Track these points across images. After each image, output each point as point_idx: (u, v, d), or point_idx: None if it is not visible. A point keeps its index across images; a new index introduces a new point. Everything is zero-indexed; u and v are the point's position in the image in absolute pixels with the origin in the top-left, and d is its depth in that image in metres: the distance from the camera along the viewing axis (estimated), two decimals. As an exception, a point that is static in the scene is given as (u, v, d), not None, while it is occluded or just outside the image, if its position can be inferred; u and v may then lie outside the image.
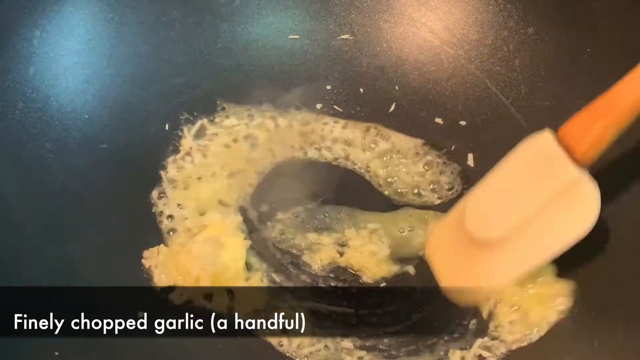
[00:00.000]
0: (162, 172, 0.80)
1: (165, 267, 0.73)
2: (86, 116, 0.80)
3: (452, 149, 0.82)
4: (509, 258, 0.65)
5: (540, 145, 0.65)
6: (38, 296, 0.67)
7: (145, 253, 0.74)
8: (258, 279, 0.73)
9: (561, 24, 0.81)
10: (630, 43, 0.75)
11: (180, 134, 0.82)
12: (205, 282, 0.71)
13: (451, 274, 0.69)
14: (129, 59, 0.84)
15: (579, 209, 0.63)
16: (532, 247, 0.65)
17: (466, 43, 0.86)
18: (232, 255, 0.72)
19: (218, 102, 0.85)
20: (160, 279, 0.73)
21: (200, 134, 0.83)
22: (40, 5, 0.79)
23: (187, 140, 0.82)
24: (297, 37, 0.89)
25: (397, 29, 0.89)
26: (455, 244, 0.69)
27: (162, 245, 0.75)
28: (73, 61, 0.81)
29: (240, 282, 0.72)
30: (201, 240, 0.72)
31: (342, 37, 0.89)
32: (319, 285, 0.74)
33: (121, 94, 0.82)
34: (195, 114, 0.84)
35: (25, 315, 0.65)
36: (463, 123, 0.84)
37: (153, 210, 0.77)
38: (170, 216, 0.77)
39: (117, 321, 0.67)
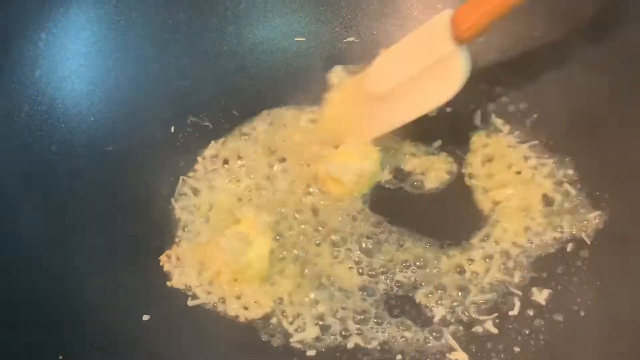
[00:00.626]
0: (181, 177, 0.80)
1: (185, 265, 0.73)
2: (92, 119, 0.80)
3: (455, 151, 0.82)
4: (392, 109, 0.78)
5: (435, 22, 0.76)
6: (41, 299, 0.68)
7: (167, 252, 0.74)
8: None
9: (568, 27, 0.81)
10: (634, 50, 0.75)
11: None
12: (225, 277, 0.71)
13: (348, 125, 0.82)
14: (134, 61, 0.84)
15: (448, 76, 0.75)
16: (408, 104, 0.77)
17: (472, 46, 0.85)
18: (258, 253, 0.72)
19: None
20: (179, 280, 0.73)
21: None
22: (46, 8, 0.79)
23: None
24: (303, 39, 0.89)
25: (403, 31, 0.88)
26: (353, 102, 0.82)
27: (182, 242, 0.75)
28: (79, 64, 0.81)
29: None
30: (230, 235, 0.72)
31: (348, 39, 0.89)
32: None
33: (127, 96, 0.83)
34: (202, 116, 0.84)
35: (27, 319, 0.66)
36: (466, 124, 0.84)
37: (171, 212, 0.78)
38: (186, 222, 0.77)
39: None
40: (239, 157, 0.82)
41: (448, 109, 0.83)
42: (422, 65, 0.76)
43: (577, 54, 0.80)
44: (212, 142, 0.83)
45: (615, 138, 0.76)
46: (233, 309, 0.71)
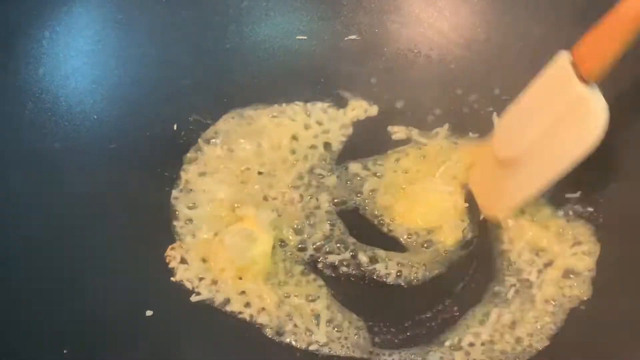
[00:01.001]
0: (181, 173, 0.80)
1: (189, 261, 0.73)
2: (95, 116, 0.81)
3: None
4: (527, 174, 0.70)
5: (555, 67, 0.67)
6: (46, 296, 0.68)
7: (170, 248, 0.74)
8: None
9: (568, 25, 0.81)
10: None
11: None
12: (229, 274, 0.72)
13: (486, 195, 0.75)
14: (137, 59, 0.84)
15: (584, 124, 0.65)
16: (545, 163, 0.68)
17: (473, 44, 0.86)
18: (261, 250, 0.72)
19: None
20: (182, 276, 0.73)
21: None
22: (49, 7, 0.79)
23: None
24: (305, 37, 0.89)
25: (405, 29, 0.89)
26: (488, 169, 0.75)
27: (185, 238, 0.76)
28: (82, 62, 0.81)
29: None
30: (234, 231, 0.73)
31: (350, 37, 0.89)
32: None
33: (130, 94, 0.83)
34: (204, 114, 0.85)
35: (32, 315, 0.66)
36: (462, 124, 0.84)
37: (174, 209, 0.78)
38: (189, 219, 0.77)
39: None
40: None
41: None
42: (552, 116, 0.67)
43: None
44: (214, 140, 0.83)
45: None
46: (237, 305, 0.71)
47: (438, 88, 0.86)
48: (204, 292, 0.72)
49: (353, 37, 0.89)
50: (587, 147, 0.65)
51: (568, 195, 0.76)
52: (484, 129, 0.82)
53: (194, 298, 0.72)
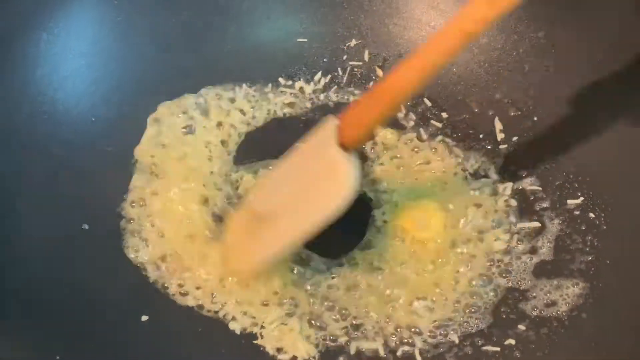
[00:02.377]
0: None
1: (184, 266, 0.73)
2: (93, 119, 0.80)
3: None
4: (278, 230, 0.70)
5: (321, 129, 0.69)
6: (39, 300, 0.67)
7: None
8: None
9: (571, 28, 0.81)
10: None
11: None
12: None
13: (236, 253, 0.73)
14: (136, 61, 0.84)
15: (332, 187, 0.67)
16: (294, 221, 0.69)
17: (475, 47, 0.85)
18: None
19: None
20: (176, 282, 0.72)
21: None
22: (47, 8, 0.79)
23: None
24: (306, 40, 0.89)
25: (406, 32, 0.89)
26: (245, 225, 0.73)
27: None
28: (80, 64, 0.81)
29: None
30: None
31: (351, 40, 0.89)
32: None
33: (128, 96, 0.82)
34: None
35: (24, 320, 0.65)
36: (466, 128, 0.83)
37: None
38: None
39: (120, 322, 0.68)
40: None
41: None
42: (308, 176, 0.70)
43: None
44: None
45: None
46: (231, 312, 0.71)
47: (439, 91, 0.85)
48: (200, 298, 0.71)
49: (354, 40, 0.89)
50: (333, 209, 0.66)
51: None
52: (485, 133, 0.82)
53: (190, 303, 0.71)
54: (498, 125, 0.82)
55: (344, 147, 0.66)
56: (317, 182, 0.68)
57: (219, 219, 0.76)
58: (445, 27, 0.62)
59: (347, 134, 0.66)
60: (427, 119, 0.84)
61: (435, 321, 0.70)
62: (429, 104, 0.85)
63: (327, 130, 0.68)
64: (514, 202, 0.77)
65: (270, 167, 0.76)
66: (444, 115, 0.84)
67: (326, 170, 0.67)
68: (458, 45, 0.61)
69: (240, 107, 0.85)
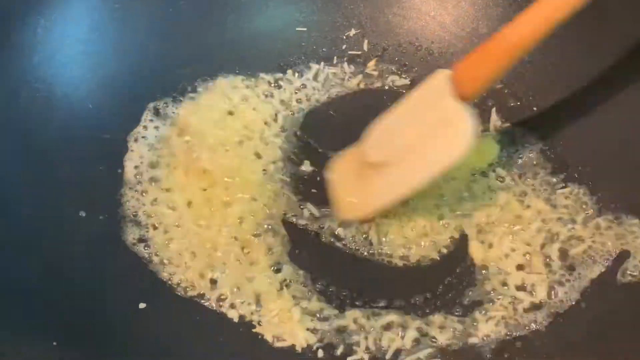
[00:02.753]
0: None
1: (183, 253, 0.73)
2: (90, 106, 0.80)
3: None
4: (395, 177, 0.70)
5: (433, 81, 0.69)
6: (38, 285, 0.67)
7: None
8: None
9: (572, 18, 0.80)
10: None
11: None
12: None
13: (347, 197, 0.74)
14: (134, 49, 0.83)
15: (453, 137, 0.67)
16: (412, 170, 0.69)
17: (475, 37, 0.86)
18: None
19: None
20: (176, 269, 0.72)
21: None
22: (45, -6, 0.79)
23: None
24: (305, 29, 0.88)
25: (406, 22, 0.88)
26: (354, 170, 0.74)
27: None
28: (78, 50, 0.80)
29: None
30: None
31: (350, 30, 0.88)
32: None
33: (126, 83, 0.82)
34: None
35: (22, 306, 0.65)
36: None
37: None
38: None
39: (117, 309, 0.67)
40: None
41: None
42: (424, 127, 0.70)
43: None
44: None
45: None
46: (230, 300, 0.70)
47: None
48: (198, 286, 0.71)
49: (353, 29, 0.88)
50: (452, 158, 0.67)
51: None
52: (484, 122, 0.82)
53: (189, 293, 0.70)
54: (494, 116, 0.82)
55: (463, 97, 0.66)
56: (434, 132, 0.68)
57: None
58: None
59: (463, 86, 0.66)
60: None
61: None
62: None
63: (441, 80, 0.68)
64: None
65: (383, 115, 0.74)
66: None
67: (443, 120, 0.67)
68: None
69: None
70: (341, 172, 0.75)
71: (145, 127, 0.80)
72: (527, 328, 0.68)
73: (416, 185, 0.70)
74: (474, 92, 0.66)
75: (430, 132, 0.69)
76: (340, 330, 0.69)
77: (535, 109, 0.82)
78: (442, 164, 0.68)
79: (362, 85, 0.86)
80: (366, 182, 0.72)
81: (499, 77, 0.67)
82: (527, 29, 0.63)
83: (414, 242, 0.74)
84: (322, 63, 0.87)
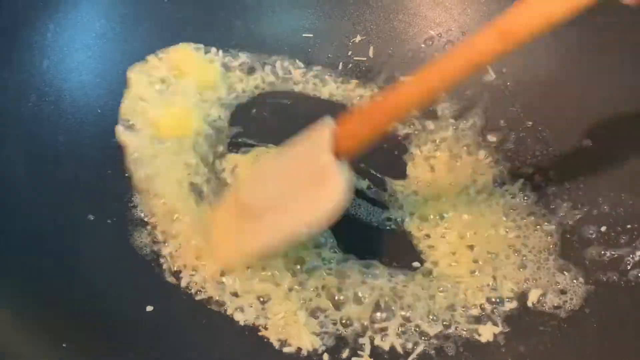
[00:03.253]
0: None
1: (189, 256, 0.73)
2: (99, 110, 0.80)
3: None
4: (266, 226, 0.69)
5: (316, 133, 0.68)
6: (45, 289, 0.67)
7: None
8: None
9: (577, 25, 0.80)
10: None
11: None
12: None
13: (223, 244, 0.73)
14: (142, 54, 0.84)
15: (323, 194, 0.66)
16: (285, 220, 0.68)
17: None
18: None
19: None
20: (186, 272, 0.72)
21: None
22: (55, 0, 0.79)
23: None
24: (311, 35, 0.89)
25: (411, 28, 0.89)
26: (233, 214, 0.72)
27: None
28: (87, 55, 0.81)
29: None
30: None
31: (356, 36, 0.89)
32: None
33: (135, 88, 0.82)
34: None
35: (31, 308, 0.65)
36: (477, 121, 0.84)
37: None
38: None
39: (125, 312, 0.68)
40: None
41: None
42: (300, 176, 0.68)
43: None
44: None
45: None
46: (236, 303, 0.71)
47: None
48: (205, 289, 0.71)
49: (359, 35, 0.89)
50: (319, 217, 0.66)
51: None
52: (492, 128, 0.82)
53: (197, 297, 0.71)
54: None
55: (338, 155, 0.66)
56: (307, 185, 0.67)
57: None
58: (452, 53, 0.61)
59: (342, 144, 0.66)
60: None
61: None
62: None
63: (324, 133, 0.67)
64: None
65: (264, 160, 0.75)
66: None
67: (317, 175, 0.66)
68: (462, 73, 0.60)
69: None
70: (221, 215, 0.74)
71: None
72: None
73: (282, 237, 0.69)
74: (350, 151, 0.66)
75: (302, 186, 0.68)
76: (346, 333, 0.69)
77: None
78: (310, 218, 0.66)
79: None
80: (241, 227, 0.71)
81: (375, 138, 0.66)
82: (410, 94, 0.63)
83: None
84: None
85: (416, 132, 0.83)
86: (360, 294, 0.71)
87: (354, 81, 0.87)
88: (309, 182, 0.67)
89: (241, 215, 0.71)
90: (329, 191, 0.65)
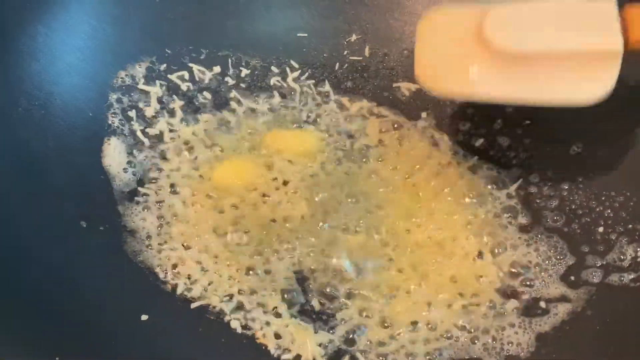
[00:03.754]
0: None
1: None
2: (90, 114, 0.79)
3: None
4: (512, 77, 0.64)
5: (601, 8, 0.64)
6: (36, 300, 0.66)
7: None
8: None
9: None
10: None
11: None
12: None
13: (440, 67, 0.68)
14: (133, 56, 0.83)
15: (598, 76, 0.62)
16: (539, 82, 0.64)
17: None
18: None
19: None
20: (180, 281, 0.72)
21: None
22: (44, 1, 0.78)
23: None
24: (306, 35, 0.88)
25: (407, 27, 0.88)
26: (455, 42, 0.67)
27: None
28: (77, 58, 0.80)
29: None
30: None
31: (351, 35, 0.88)
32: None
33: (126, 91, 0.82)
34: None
35: (23, 319, 0.64)
36: (468, 124, 0.83)
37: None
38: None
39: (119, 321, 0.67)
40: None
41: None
42: (571, 45, 0.63)
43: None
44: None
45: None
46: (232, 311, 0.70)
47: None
48: (200, 296, 0.71)
49: (355, 35, 0.88)
50: (578, 97, 0.63)
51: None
52: (488, 133, 0.82)
53: (193, 305, 0.70)
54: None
55: (628, 43, 0.62)
56: (582, 59, 0.62)
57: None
58: None
59: (634, 34, 0.61)
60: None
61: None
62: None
63: (606, 7, 0.62)
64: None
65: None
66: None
67: (598, 55, 0.62)
68: None
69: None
70: (438, 31, 0.68)
71: (145, 134, 0.80)
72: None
73: (537, 100, 0.64)
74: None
75: (578, 56, 0.62)
76: (345, 340, 0.69)
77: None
78: (571, 97, 0.63)
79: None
80: (471, 59, 0.65)
81: None
82: None
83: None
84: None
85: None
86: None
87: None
88: (582, 53, 0.63)
89: (476, 45, 0.65)
90: (600, 74, 0.62)
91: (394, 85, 0.86)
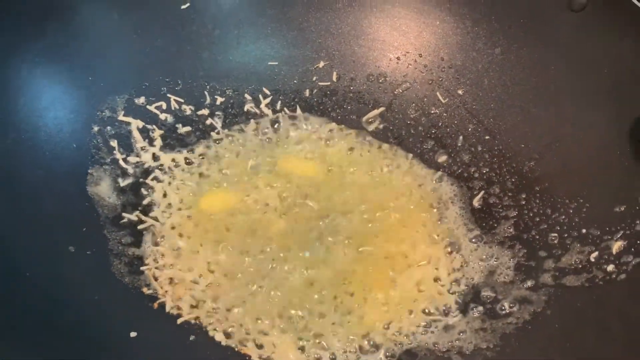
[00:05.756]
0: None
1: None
2: (74, 145, 0.82)
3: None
4: None
5: None
6: (26, 316, 0.68)
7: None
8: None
9: (526, 44, 0.86)
10: (589, 57, 0.80)
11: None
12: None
13: None
14: (114, 88, 0.86)
15: None
16: None
17: (437, 65, 0.90)
18: None
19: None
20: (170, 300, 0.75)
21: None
22: (27, 38, 0.80)
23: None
24: (276, 63, 0.92)
25: (371, 52, 0.92)
26: None
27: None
28: (61, 91, 0.83)
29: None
30: None
31: (319, 62, 0.92)
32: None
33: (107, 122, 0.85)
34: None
35: (13, 335, 0.66)
36: (433, 142, 0.88)
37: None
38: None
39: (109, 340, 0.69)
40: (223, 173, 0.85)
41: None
42: None
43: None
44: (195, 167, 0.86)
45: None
46: (216, 325, 0.73)
47: (405, 108, 0.90)
48: (190, 314, 0.74)
49: (322, 61, 0.92)
50: None
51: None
52: (451, 150, 0.87)
53: (179, 320, 0.73)
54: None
55: None
56: None
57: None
58: None
59: None
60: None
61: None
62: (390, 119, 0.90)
63: None
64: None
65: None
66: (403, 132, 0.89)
67: None
68: None
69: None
70: None
71: (127, 162, 0.84)
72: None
73: None
74: None
75: None
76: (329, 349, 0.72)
77: (495, 131, 0.87)
78: None
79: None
80: None
81: None
82: None
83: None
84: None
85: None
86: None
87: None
88: None
89: None
90: None
91: (361, 107, 0.90)
